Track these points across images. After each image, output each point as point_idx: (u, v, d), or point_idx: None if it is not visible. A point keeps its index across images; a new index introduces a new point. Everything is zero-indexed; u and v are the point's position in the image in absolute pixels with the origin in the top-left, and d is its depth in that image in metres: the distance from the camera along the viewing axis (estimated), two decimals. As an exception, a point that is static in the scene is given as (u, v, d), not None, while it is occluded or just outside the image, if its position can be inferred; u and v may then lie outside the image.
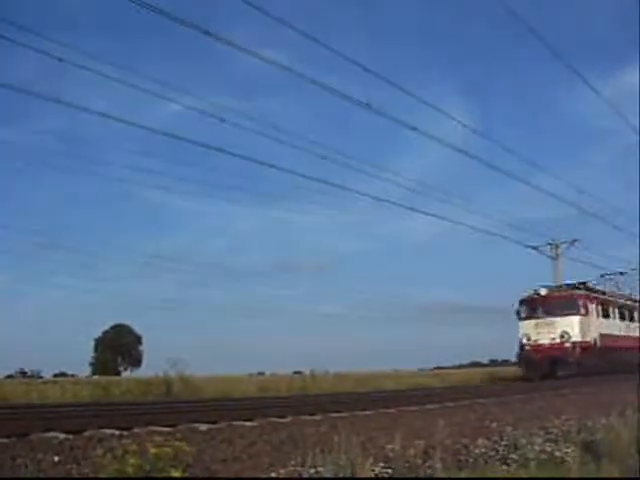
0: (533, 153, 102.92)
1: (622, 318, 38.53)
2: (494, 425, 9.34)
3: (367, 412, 12.91)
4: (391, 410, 13.38)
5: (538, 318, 32.92)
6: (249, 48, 17.75)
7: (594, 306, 34.37)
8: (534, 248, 42.92)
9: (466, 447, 8.01)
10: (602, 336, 34.01)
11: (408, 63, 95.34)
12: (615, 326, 36.96)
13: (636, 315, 41.04)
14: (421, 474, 6.67)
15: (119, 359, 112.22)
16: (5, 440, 7.90)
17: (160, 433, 8.19)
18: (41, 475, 6.17)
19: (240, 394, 21.43)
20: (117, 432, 8.90)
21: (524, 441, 8.16)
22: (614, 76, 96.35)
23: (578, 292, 34.03)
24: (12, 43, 14.20)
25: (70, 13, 75.48)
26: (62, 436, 8.43)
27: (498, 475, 7.07)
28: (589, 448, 8.15)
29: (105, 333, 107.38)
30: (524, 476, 6.96)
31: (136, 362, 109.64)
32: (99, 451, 6.90)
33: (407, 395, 19.04)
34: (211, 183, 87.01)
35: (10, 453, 7.00)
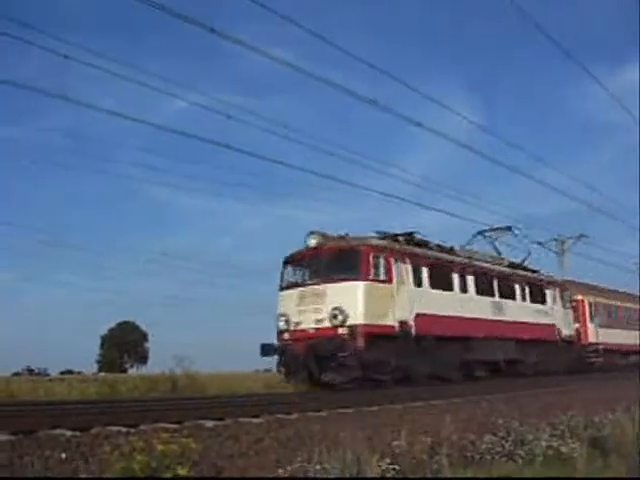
0: (538, 148, 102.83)
1: (486, 292, 25.60)
2: (500, 421, 9.31)
3: (373, 408, 12.91)
4: (398, 406, 13.38)
5: (303, 286, 20.63)
6: (255, 46, 17.74)
7: (406, 268, 21.09)
8: (540, 244, 42.85)
9: (473, 443, 8.01)
10: (424, 318, 21.03)
11: (413, 60, 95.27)
12: (460, 303, 23.46)
13: (550, 295, 31.23)
14: (428, 471, 6.67)
15: (125, 356, 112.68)
16: (12, 437, 7.92)
17: (167, 430, 8.20)
18: (48, 473, 6.18)
19: (246, 391, 21.44)
20: (124, 429, 8.91)
21: (531, 437, 8.16)
22: (616, 73, 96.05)
23: (370, 243, 20.74)
24: (17, 40, 14.21)
25: (75, 11, 75.65)
26: (69, 433, 8.44)
27: (502, 472, 7.07)
28: (596, 444, 8.15)
29: (111, 330, 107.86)
30: (529, 475, 6.95)
31: (142, 359, 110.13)
32: (106, 448, 6.91)
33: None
34: (218, 180, 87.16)
35: (17, 450, 7.02)
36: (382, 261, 20.22)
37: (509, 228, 31.73)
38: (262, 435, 8.75)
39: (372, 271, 19.88)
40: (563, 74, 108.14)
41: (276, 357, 20.66)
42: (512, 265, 29.78)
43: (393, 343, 19.92)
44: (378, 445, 7.22)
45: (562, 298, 32.16)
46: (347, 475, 5.98)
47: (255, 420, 10.67)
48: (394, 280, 20.50)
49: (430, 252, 23.51)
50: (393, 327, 19.95)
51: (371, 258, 19.95)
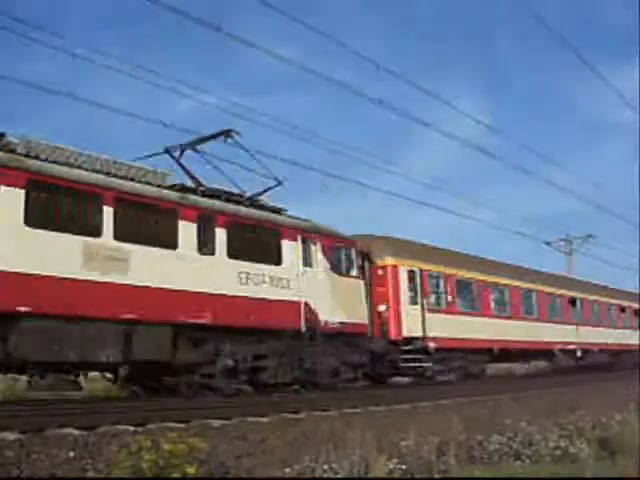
0: (546, 148, 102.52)
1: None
2: (508, 421, 9.29)
3: (380, 408, 12.90)
4: (405, 406, 13.37)
5: None
6: (262, 45, 17.63)
7: None
8: (548, 244, 42.66)
9: (480, 443, 8.00)
10: None
11: (422, 61, 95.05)
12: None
13: (293, 251, 17.55)
14: (435, 470, 6.66)
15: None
16: (20, 436, 7.95)
17: (174, 429, 8.22)
18: (56, 471, 6.20)
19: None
20: (131, 428, 8.93)
21: (538, 437, 8.15)
22: (625, 72, 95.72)
23: None
24: (28, 40, 14.19)
25: (82, 10, 75.83)
26: (77, 432, 8.48)
27: (510, 472, 7.06)
28: (604, 444, 8.13)
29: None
30: (538, 476, 6.94)
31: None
32: (114, 447, 6.93)
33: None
34: (220, 180, 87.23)
35: (25, 449, 7.05)
36: None
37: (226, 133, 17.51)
38: (269, 434, 8.76)
39: None
40: (571, 73, 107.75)
41: None
42: (181, 188, 16.08)
43: None
44: (386, 445, 7.21)
45: (334, 259, 18.94)
46: (355, 475, 5.98)
47: (262, 419, 10.68)
48: None
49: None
50: None
51: None
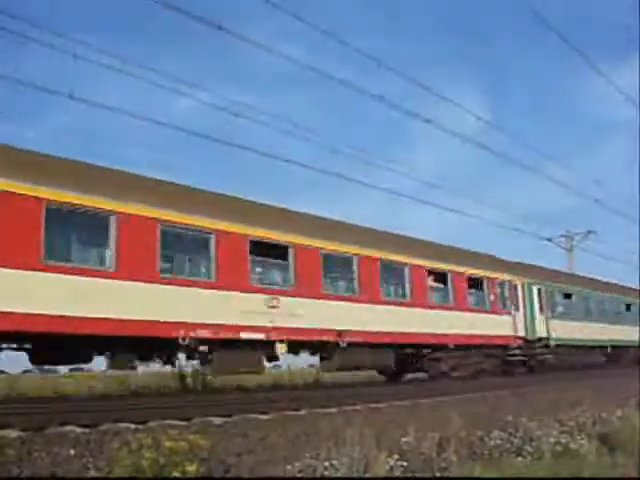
0: (547, 145, 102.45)
1: None
2: (509, 417, 9.30)
3: (381, 404, 12.91)
4: (406, 403, 13.38)
5: None
6: (263, 43, 17.59)
7: None
8: (548, 240, 42.83)
9: (481, 439, 8.00)
10: None
11: (424, 58, 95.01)
12: None
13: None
14: (436, 467, 6.67)
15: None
16: (22, 434, 7.97)
17: (175, 427, 8.24)
18: (57, 469, 6.21)
19: (255, 386, 21.44)
20: (132, 426, 8.95)
21: (539, 433, 8.15)
22: (625, 68, 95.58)
23: None
24: (26, 40, 14.17)
25: (83, 9, 75.85)
26: (78, 430, 8.50)
27: (512, 469, 7.06)
28: (604, 440, 8.13)
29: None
30: (539, 475, 6.94)
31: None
32: (115, 445, 6.95)
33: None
34: (225, 178, 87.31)
35: (27, 446, 7.06)
36: None
37: None
38: (270, 432, 8.76)
39: None
40: (572, 71, 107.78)
41: None
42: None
43: None
44: (386, 442, 7.22)
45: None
46: (355, 472, 5.99)
47: (263, 417, 10.70)
48: None
49: None
50: None
51: None
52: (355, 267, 19.32)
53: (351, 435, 6.50)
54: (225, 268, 15.45)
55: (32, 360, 13.49)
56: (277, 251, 17.26)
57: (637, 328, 34.44)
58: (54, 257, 12.64)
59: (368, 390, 18.07)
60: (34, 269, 12.09)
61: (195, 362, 16.27)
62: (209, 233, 15.49)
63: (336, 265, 19.28)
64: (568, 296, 30.79)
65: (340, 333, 17.71)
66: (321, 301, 17.74)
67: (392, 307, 20.38)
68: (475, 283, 24.41)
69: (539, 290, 27.66)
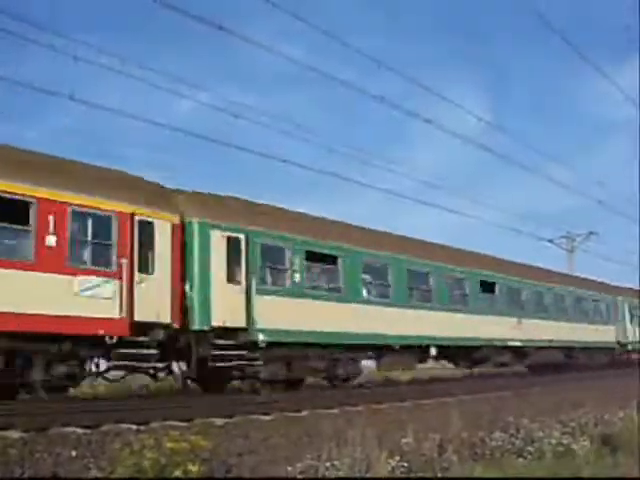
0: (547, 146, 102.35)
1: None
2: (510, 418, 9.30)
3: (383, 405, 12.91)
4: (407, 404, 13.39)
5: None
6: (264, 43, 17.56)
7: None
8: (549, 241, 42.77)
9: (482, 440, 8.00)
10: None
11: (423, 58, 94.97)
12: None
13: None
14: (437, 468, 6.67)
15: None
16: (24, 434, 7.98)
17: (176, 427, 8.24)
18: (59, 469, 6.22)
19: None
20: (134, 427, 8.96)
21: (541, 434, 8.15)
22: (626, 68, 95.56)
23: None
24: (27, 41, 14.18)
25: (82, 9, 75.83)
26: (80, 431, 8.50)
27: (513, 470, 7.06)
28: (606, 441, 8.13)
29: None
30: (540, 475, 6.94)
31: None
32: (116, 445, 6.95)
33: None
34: (224, 179, 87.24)
35: (29, 447, 7.08)
36: None
37: None
38: (272, 432, 8.77)
39: None
40: (572, 71, 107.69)
41: None
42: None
43: None
44: (387, 443, 7.22)
45: None
46: (356, 472, 5.99)
47: (265, 417, 10.70)
48: None
49: None
50: None
51: None
52: None
53: (353, 436, 6.51)
54: None
55: None
56: None
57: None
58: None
59: (369, 391, 18.06)
60: None
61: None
62: None
63: None
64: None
65: None
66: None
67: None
68: None
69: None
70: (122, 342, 13.38)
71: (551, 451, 7.67)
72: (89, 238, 13.53)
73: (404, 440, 7.23)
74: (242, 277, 15.80)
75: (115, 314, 13.33)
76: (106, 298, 13.24)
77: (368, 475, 6.02)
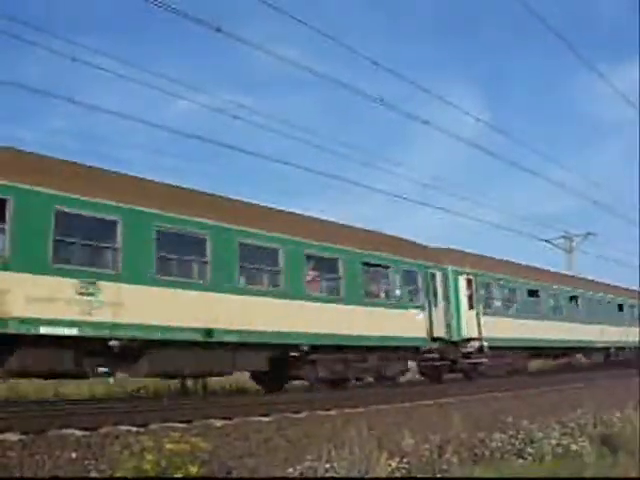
0: (545, 146, 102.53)
1: None
2: (509, 419, 9.31)
3: (382, 407, 12.91)
4: (407, 405, 13.39)
5: None
6: (262, 45, 17.66)
7: None
8: (546, 241, 42.89)
9: (482, 441, 8.00)
10: None
11: (419, 58, 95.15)
12: None
13: None
14: (437, 469, 6.67)
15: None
16: (23, 437, 7.96)
17: (176, 429, 8.23)
18: (59, 472, 6.21)
19: (254, 389, 21.44)
20: (134, 429, 8.94)
21: (540, 435, 8.15)
22: (623, 69, 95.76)
23: None
24: (25, 43, 14.21)
25: (80, 12, 75.86)
26: (79, 433, 8.48)
27: (511, 471, 7.06)
28: (605, 442, 8.13)
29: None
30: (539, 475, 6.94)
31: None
32: (116, 447, 6.95)
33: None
34: (224, 181, 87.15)
35: (28, 449, 7.06)
36: None
37: None
38: (271, 434, 8.76)
39: None
40: (570, 71, 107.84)
41: None
42: None
43: None
44: (387, 444, 7.23)
45: None
46: (356, 474, 5.99)
47: (264, 419, 10.69)
48: None
49: None
50: None
51: None
52: None
53: (352, 437, 6.51)
54: None
55: None
56: None
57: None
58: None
59: (368, 392, 18.06)
60: None
61: None
62: None
63: None
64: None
65: None
66: None
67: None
68: None
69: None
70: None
71: (551, 452, 7.68)
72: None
73: (404, 442, 7.24)
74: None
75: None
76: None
77: (367, 476, 6.02)
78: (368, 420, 9.48)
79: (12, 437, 7.92)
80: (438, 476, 6.61)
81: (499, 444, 7.89)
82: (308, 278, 18.38)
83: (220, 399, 16.06)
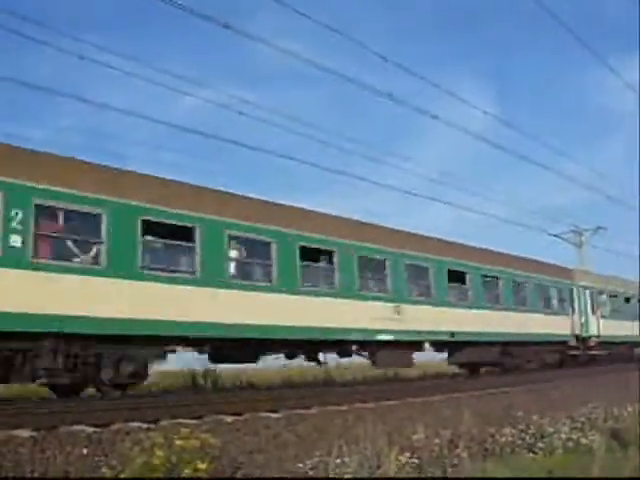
0: (554, 139, 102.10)
1: None
2: (520, 414, 9.28)
3: (393, 402, 12.90)
4: (417, 400, 13.37)
5: None
6: (270, 40, 17.66)
7: None
8: (555, 236, 42.68)
9: (492, 436, 7.98)
10: None
11: (426, 52, 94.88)
12: None
13: None
14: (447, 464, 6.65)
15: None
16: (34, 433, 8.00)
17: (186, 425, 8.24)
18: (70, 468, 6.24)
19: (265, 384, 21.48)
20: (144, 425, 8.97)
21: (551, 429, 8.13)
22: (632, 61, 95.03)
23: None
24: (33, 41, 14.28)
25: (87, 9, 75.96)
26: (90, 429, 8.52)
27: (522, 465, 7.04)
28: (616, 436, 8.09)
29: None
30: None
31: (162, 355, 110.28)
32: (127, 444, 6.97)
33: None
34: (230, 177, 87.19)
35: (39, 446, 7.10)
36: None
37: None
38: (281, 430, 8.77)
39: None
40: (578, 64, 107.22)
41: None
42: None
43: None
44: (398, 439, 7.22)
45: None
46: (367, 468, 5.98)
47: (274, 415, 10.70)
48: None
49: None
50: None
51: None
52: None
53: (363, 432, 6.50)
54: None
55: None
56: None
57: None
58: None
59: (380, 387, 18.06)
60: None
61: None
62: None
63: None
64: None
65: None
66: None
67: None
68: None
69: None
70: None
71: (561, 446, 7.65)
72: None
73: (415, 436, 7.23)
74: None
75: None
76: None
77: (379, 472, 6.01)
78: (378, 415, 9.48)
79: (24, 433, 7.96)
80: (449, 471, 6.59)
81: (509, 439, 7.86)
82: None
83: (230, 394, 16.08)
